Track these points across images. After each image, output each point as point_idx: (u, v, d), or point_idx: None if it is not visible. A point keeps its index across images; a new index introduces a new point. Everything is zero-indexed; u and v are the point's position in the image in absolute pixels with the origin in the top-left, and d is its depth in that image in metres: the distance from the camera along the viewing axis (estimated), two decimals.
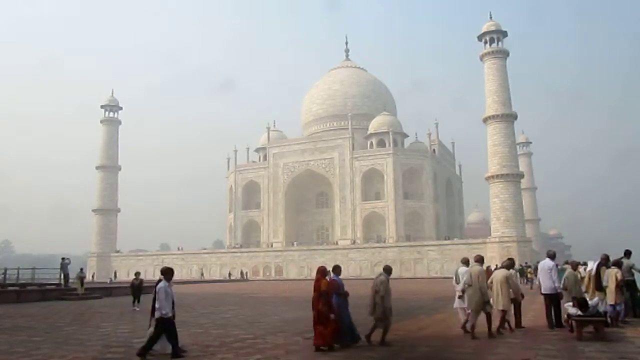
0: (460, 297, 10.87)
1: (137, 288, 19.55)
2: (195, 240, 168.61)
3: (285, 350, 9.12)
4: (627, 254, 12.87)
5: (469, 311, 10.56)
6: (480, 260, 10.77)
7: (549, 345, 9.36)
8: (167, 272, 8.79)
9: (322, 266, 9.56)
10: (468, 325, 10.60)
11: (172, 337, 8.45)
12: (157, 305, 8.42)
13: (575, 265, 13.24)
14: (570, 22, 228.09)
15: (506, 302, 10.72)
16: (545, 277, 11.58)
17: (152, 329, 8.52)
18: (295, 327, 12.62)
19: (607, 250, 13.71)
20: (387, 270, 9.84)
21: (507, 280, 10.87)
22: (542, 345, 9.43)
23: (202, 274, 71.28)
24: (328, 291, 8.98)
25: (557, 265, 11.85)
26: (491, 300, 10.51)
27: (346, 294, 9.39)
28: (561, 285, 11.64)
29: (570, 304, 10.66)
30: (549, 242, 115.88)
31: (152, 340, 8.41)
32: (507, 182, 62.85)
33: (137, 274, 20.92)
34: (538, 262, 41.89)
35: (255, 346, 9.64)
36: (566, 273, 12.25)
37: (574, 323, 10.28)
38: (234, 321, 14.35)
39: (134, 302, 19.10)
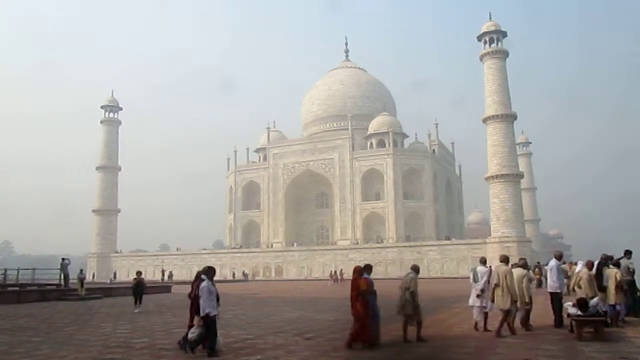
0: (478, 295, 11.09)
1: (139, 288, 18.39)
2: (195, 240, 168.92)
3: (285, 351, 9.12)
4: (627, 253, 12.90)
5: (487, 310, 10.99)
6: (505, 260, 11.07)
7: (549, 346, 9.37)
8: (209, 272, 8.97)
9: (358, 266, 9.80)
10: (475, 322, 11.06)
11: (213, 336, 8.64)
12: (201, 304, 8.57)
13: (590, 266, 13.26)
14: (571, 22, 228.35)
15: (527, 299, 11.11)
16: (549, 276, 11.96)
17: (197, 328, 8.72)
18: (296, 327, 12.61)
19: (607, 251, 13.74)
20: (416, 269, 10.38)
21: (524, 278, 11.21)
22: (542, 345, 9.44)
23: None
24: (367, 290, 9.24)
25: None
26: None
27: (374, 293, 9.63)
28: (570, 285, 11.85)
29: (571, 303, 10.71)
30: (549, 243, 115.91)
31: (201, 337, 8.66)
32: (506, 182, 62.84)
33: (139, 273, 19.68)
34: (538, 263, 41.86)
35: (255, 346, 9.65)
36: (580, 273, 12.27)
37: (574, 323, 10.30)
38: (234, 321, 14.34)
39: (135, 303, 18.04)
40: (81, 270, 28.76)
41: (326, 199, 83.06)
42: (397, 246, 68.57)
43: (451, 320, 13.79)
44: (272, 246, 78.53)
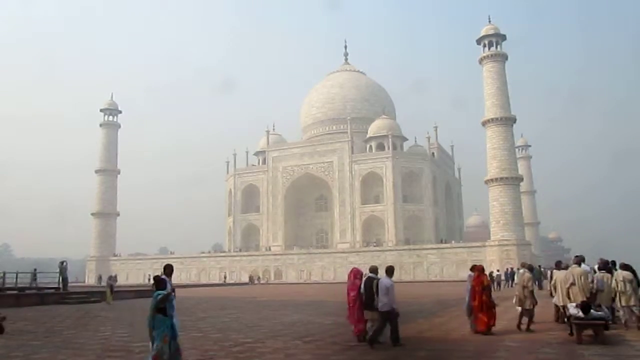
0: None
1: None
2: (195, 243, 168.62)
3: (284, 354, 9.10)
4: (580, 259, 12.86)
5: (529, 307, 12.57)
6: (579, 262, 12.21)
7: (548, 349, 9.36)
8: (389, 271, 10.11)
9: (480, 265, 11.51)
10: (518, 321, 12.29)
11: (396, 328, 9.50)
12: (384, 300, 9.37)
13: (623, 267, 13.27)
14: (571, 23, 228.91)
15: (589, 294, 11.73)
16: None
17: (374, 323, 9.58)
18: (295, 330, 12.58)
19: (607, 253, 13.82)
20: (530, 268, 12.60)
21: (582, 276, 11.81)
22: (541, 348, 9.43)
23: (225, 278, 70.15)
24: (490, 285, 10.91)
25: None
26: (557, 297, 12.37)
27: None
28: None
29: (574, 304, 10.69)
30: (548, 246, 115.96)
31: (380, 330, 9.49)
32: (506, 185, 62.86)
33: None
34: (539, 266, 41.66)
35: (255, 350, 9.62)
36: (623, 275, 12.21)
37: (573, 325, 10.28)
38: (234, 325, 14.30)
39: None
40: (110, 277, 27.51)
41: (325, 202, 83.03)
42: (396, 249, 68.47)
43: (451, 323, 13.77)
44: (271, 249, 78.44)
